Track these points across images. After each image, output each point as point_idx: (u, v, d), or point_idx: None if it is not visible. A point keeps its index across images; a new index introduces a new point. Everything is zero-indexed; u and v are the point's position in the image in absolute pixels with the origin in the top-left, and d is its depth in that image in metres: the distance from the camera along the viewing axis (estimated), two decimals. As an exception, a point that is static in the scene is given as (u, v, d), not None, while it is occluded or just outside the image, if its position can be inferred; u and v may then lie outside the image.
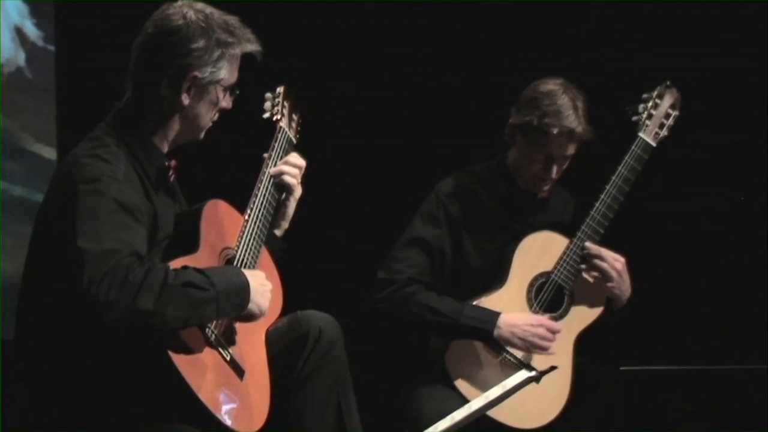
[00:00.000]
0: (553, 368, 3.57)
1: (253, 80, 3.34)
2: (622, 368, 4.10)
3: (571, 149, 4.00)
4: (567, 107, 3.94)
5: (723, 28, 4.94)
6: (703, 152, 4.93)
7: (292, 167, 3.44)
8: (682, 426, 4.62)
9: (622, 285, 4.01)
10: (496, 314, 3.92)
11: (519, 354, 3.93)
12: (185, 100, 3.16)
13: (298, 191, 3.45)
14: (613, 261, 3.99)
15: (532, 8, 5.04)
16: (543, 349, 3.91)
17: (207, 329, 3.04)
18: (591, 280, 4.00)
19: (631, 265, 4.03)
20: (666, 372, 4.74)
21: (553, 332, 3.92)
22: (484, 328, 3.90)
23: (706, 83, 4.87)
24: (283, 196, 3.45)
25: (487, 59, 5.02)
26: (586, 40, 4.97)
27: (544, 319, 3.94)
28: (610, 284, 3.99)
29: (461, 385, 3.91)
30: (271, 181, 3.39)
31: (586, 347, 4.07)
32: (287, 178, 3.42)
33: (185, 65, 3.13)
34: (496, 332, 3.90)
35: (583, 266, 3.99)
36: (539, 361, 3.88)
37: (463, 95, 5.06)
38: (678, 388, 4.72)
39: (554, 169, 4.00)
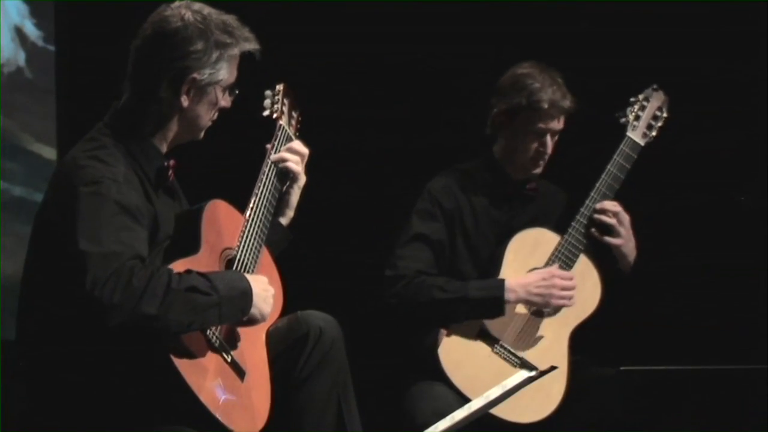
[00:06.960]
0: (553, 368, 3.57)
1: (253, 78, 3.34)
2: (622, 368, 4.10)
3: (561, 123, 4.08)
4: (551, 83, 4.05)
5: (723, 27, 4.94)
6: (703, 152, 4.93)
7: (293, 154, 3.43)
8: (682, 426, 4.62)
9: (630, 243, 4.06)
10: (501, 280, 3.95)
11: (511, 346, 3.95)
12: (185, 102, 3.16)
13: (302, 179, 3.45)
14: (622, 216, 4.05)
15: (524, 8, 5.03)
16: (566, 299, 3.93)
17: (208, 331, 3.04)
18: (600, 238, 4.02)
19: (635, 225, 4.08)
20: (666, 372, 4.74)
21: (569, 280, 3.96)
22: (494, 294, 3.93)
23: (705, 83, 4.88)
24: (287, 185, 3.44)
25: (475, 61, 5.02)
26: (578, 41, 4.97)
27: (554, 269, 3.97)
28: (618, 240, 4.03)
29: (456, 378, 3.91)
30: (272, 179, 3.38)
31: (586, 347, 4.07)
32: (291, 165, 3.41)
33: (184, 68, 3.13)
34: (507, 296, 3.92)
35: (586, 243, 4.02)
36: (532, 354, 3.93)
37: (452, 95, 5.06)
38: (678, 388, 4.72)
39: (549, 144, 4.07)
